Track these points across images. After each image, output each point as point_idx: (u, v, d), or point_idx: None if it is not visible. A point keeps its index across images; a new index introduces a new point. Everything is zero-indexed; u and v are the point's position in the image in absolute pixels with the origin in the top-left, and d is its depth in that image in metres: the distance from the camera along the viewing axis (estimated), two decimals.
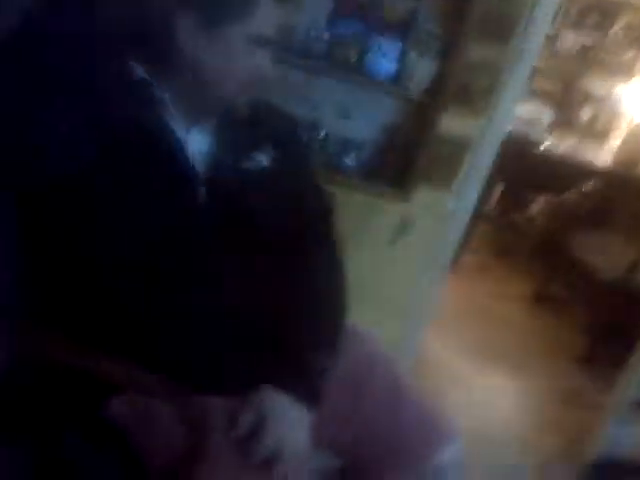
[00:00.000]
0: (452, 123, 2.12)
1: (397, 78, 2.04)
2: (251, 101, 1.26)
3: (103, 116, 1.08)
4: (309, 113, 2.04)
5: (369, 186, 2.14)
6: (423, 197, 2.20)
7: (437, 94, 2.05)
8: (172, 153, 1.16)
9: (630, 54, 4.42)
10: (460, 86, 2.09)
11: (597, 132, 4.61)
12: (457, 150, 2.17)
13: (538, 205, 4.44)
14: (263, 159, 1.29)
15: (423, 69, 2.02)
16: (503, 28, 2.07)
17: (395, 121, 2.14)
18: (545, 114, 4.40)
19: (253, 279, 1.22)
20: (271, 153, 1.30)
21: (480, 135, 2.20)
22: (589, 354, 3.47)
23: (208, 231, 1.19)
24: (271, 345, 1.20)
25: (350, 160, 2.10)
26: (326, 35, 1.97)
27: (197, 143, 1.23)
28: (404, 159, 2.14)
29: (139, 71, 1.15)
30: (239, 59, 1.18)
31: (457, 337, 3.22)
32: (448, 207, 2.27)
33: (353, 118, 2.11)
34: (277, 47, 1.24)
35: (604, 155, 4.40)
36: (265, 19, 1.17)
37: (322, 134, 2.05)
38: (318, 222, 1.41)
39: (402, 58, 2.02)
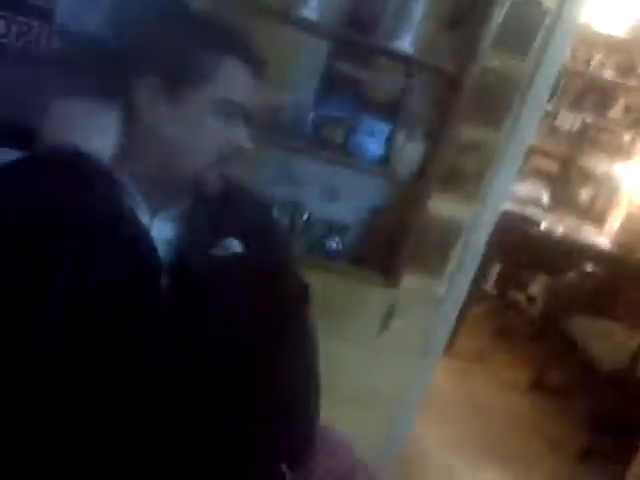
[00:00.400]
0: (442, 206, 2.03)
1: (385, 160, 1.95)
2: (222, 182, 1.16)
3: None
4: (292, 194, 1.95)
5: (354, 272, 2.02)
6: (412, 283, 2.08)
7: (426, 177, 1.96)
8: (134, 242, 1.06)
9: (629, 136, 4.40)
10: (450, 169, 2.00)
11: (596, 213, 4.54)
12: (448, 234, 2.07)
13: (538, 285, 4.33)
14: (234, 246, 1.19)
15: (412, 151, 1.93)
16: (495, 110, 2.00)
17: (383, 204, 2.04)
18: (544, 193, 4.33)
19: (220, 376, 1.11)
20: (242, 239, 1.20)
21: (473, 218, 2.10)
22: (589, 449, 3.27)
23: (172, 325, 1.07)
24: (238, 451, 1.09)
25: (335, 244, 1.99)
26: (312, 114, 1.89)
27: (163, 229, 1.13)
28: (392, 244, 2.02)
29: None
30: (206, 129, 1.09)
31: (450, 429, 3.04)
32: (438, 293, 2.15)
33: (338, 200, 2.01)
34: (256, 123, 1.16)
35: (604, 237, 4.31)
36: (232, 83, 1.10)
37: (305, 216, 1.95)
38: (292, 313, 1.31)
39: (390, 139, 1.93)
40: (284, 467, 1.11)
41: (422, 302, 2.12)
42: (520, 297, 4.31)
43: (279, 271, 1.29)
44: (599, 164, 4.49)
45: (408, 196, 1.99)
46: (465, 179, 2.04)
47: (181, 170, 1.12)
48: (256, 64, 1.12)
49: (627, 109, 4.49)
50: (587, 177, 4.54)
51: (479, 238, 2.11)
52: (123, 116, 1.09)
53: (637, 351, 3.29)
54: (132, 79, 1.08)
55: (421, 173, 1.95)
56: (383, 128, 1.92)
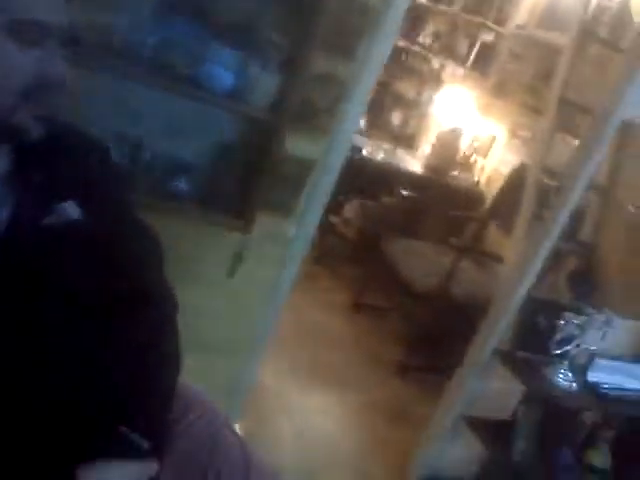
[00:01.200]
0: (296, 143, 1.89)
1: (236, 92, 1.74)
2: (42, 126, 0.94)
3: None
4: (131, 129, 1.68)
5: (203, 214, 1.83)
6: (264, 224, 1.95)
7: (282, 111, 1.80)
8: None
9: (437, 61, 4.55)
10: (303, 102, 1.86)
11: (407, 137, 4.70)
12: (301, 172, 1.95)
13: (353, 208, 4.42)
14: (70, 211, 0.99)
15: (266, 82, 1.74)
16: (350, 39, 1.88)
17: (234, 141, 1.85)
18: (362, 119, 4.37)
19: (70, 349, 1.01)
20: (79, 200, 1.01)
21: (324, 154, 2.00)
22: (407, 364, 3.49)
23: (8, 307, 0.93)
24: (95, 417, 1.03)
25: (181, 184, 1.77)
26: (152, 38, 1.61)
27: None
28: (243, 183, 1.86)
29: None
30: (3, 59, 0.87)
31: (280, 356, 3.02)
32: (289, 233, 2.05)
33: (184, 136, 1.77)
34: (83, 49, 0.94)
35: (416, 161, 4.49)
36: None
37: (147, 155, 1.70)
38: (144, 273, 1.19)
39: (242, 69, 1.72)
40: (123, 429, 1.04)
41: (273, 244, 2.01)
42: (336, 220, 4.38)
43: (126, 232, 1.13)
44: (410, 89, 4.62)
45: (261, 132, 1.82)
46: (317, 113, 1.91)
47: None
48: None
49: (436, 35, 4.62)
50: (398, 102, 4.65)
51: (331, 174, 2.02)
52: None
53: (448, 272, 3.51)
54: None
55: (275, 107, 1.78)
56: (233, 56, 1.70)
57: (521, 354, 2.51)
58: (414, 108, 4.71)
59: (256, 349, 2.23)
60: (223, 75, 1.70)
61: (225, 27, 1.70)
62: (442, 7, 4.53)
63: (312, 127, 1.92)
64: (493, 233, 3.94)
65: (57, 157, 1.02)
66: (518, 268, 2.53)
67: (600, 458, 2.67)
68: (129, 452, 1.03)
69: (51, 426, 0.99)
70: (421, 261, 3.80)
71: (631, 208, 2.95)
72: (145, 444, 1.05)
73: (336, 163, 2.02)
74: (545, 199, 2.91)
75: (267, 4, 1.75)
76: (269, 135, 1.81)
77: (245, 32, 1.72)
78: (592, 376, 2.50)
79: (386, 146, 4.37)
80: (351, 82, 1.93)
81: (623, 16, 3.20)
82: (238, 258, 1.95)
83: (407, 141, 4.66)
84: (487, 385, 2.63)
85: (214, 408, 1.32)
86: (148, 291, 1.18)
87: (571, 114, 3.30)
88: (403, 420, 3.09)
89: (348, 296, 3.97)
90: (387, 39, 1.98)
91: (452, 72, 4.49)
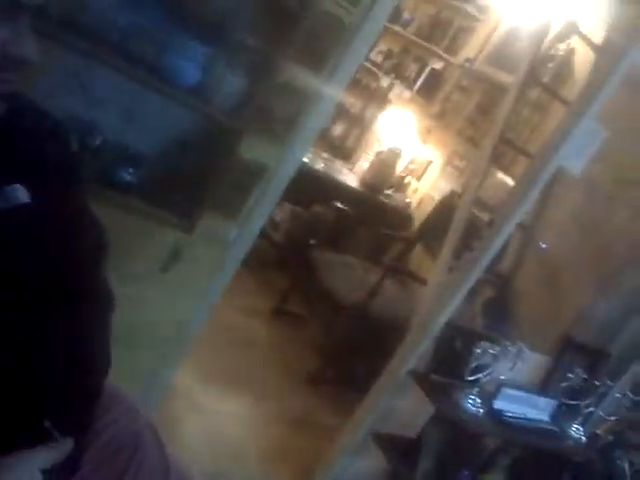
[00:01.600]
0: (251, 148, 1.88)
1: (199, 89, 1.72)
2: (4, 104, 0.89)
3: None
4: (85, 111, 1.62)
5: (147, 208, 1.80)
6: (205, 225, 1.93)
7: (240, 114, 1.79)
8: None
9: (387, 80, 4.63)
10: (264, 108, 1.86)
11: (346, 150, 4.75)
12: (251, 178, 1.94)
13: (283, 213, 4.42)
14: (18, 195, 0.95)
15: (232, 83, 1.73)
16: (320, 55, 1.89)
17: (190, 138, 1.82)
18: None
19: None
20: (29, 183, 0.97)
21: (277, 162, 2.00)
22: (319, 375, 3.52)
23: None
24: (19, 410, 0.98)
25: (128, 175, 1.73)
26: (121, 21, 1.57)
27: None
28: (192, 182, 1.83)
29: None
30: None
31: (197, 361, 2.97)
32: (229, 237, 2.03)
33: (139, 126, 1.73)
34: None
35: (353, 175, 4.55)
36: None
37: (97, 140, 1.64)
38: (87, 267, 1.15)
39: (209, 67, 1.71)
40: (47, 423, 1.00)
41: (212, 245, 1.99)
42: (267, 226, 4.37)
43: (75, 223, 1.09)
44: (356, 104, 4.68)
45: (219, 133, 1.80)
46: (276, 121, 1.91)
47: None
48: None
49: (387, 54, 4.70)
50: (342, 114, 4.70)
51: (280, 183, 2.02)
52: None
53: (372, 288, 3.58)
54: None
55: (236, 110, 1.77)
56: (202, 52, 1.69)
57: (435, 377, 2.60)
58: (357, 123, 4.77)
59: (179, 348, 2.20)
60: (189, 70, 1.68)
61: (198, 22, 1.67)
62: (397, 28, 4.62)
63: (269, 134, 1.91)
64: (418, 255, 4.05)
65: (11, 137, 0.98)
66: (441, 293, 2.61)
67: None
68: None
69: None
70: (346, 274, 3.85)
71: (542, 244, 3.12)
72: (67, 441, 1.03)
73: (288, 173, 2.03)
74: (474, 230, 3.03)
75: (244, 6, 1.74)
76: (226, 137, 1.80)
77: (218, 30, 1.70)
78: (498, 404, 2.61)
79: (326, 156, 4.40)
80: (315, 96, 1.95)
81: (566, 67, 3.38)
82: (175, 255, 1.91)
83: (346, 154, 4.71)
84: (399, 403, 2.70)
85: (136, 407, 1.31)
86: (89, 286, 1.15)
87: (507, 151, 3.45)
88: (311, 430, 3.12)
89: (270, 301, 3.96)
90: (356, 58, 2.00)
91: (399, 93, 4.58)
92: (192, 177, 1.82)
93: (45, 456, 1.00)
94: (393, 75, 4.62)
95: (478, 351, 2.52)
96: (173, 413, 2.66)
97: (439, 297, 2.60)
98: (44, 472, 0.96)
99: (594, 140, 2.28)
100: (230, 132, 1.79)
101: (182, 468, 1.31)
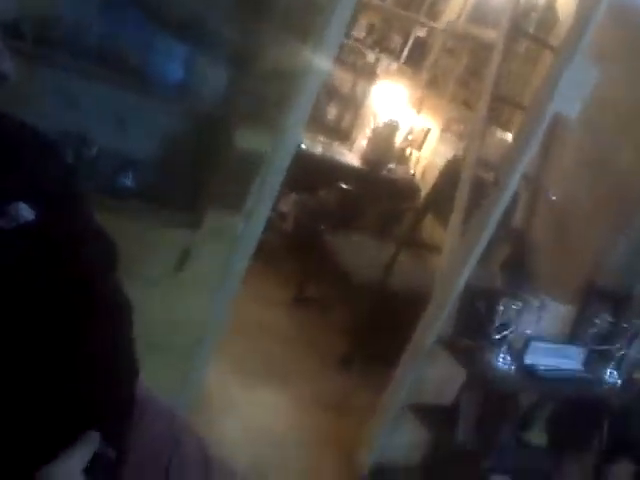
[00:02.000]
0: (245, 138, 1.88)
1: (185, 86, 1.72)
2: None
3: None
4: (76, 124, 1.63)
5: (151, 210, 1.80)
6: (212, 219, 1.93)
7: (231, 106, 1.79)
8: None
9: (372, 55, 4.61)
10: (254, 98, 1.85)
11: (343, 131, 4.74)
12: (249, 168, 1.94)
13: (288, 203, 4.42)
14: (23, 213, 0.95)
15: (215, 77, 1.73)
16: (301, 35, 1.88)
17: (182, 135, 1.82)
18: None
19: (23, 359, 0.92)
20: (32, 200, 0.97)
21: (273, 149, 1.99)
22: (349, 357, 3.53)
23: None
24: (60, 423, 0.95)
25: (127, 181, 1.73)
26: (97, 29, 1.57)
27: None
28: (192, 178, 1.84)
29: None
30: None
31: (225, 355, 2.99)
32: (237, 229, 2.03)
33: (132, 131, 1.73)
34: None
35: (353, 155, 4.54)
36: None
37: (93, 151, 1.65)
38: (102, 278, 1.14)
39: (191, 64, 1.71)
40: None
41: (221, 240, 1.99)
42: (271, 215, 4.36)
43: (83, 236, 1.09)
44: (345, 83, 4.66)
45: (211, 127, 1.80)
46: (266, 108, 1.90)
47: None
48: None
49: (369, 29, 4.67)
50: (333, 96, 4.68)
51: (279, 170, 2.02)
52: None
53: (387, 264, 3.57)
54: None
55: (224, 102, 1.77)
56: (182, 49, 1.68)
57: (462, 340, 2.60)
58: (349, 102, 4.75)
59: (206, 346, 2.21)
60: (172, 69, 1.68)
61: (175, 20, 1.67)
62: (375, 1, 4.58)
63: (261, 122, 1.91)
64: (429, 224, 4.04)
65: (5, 155, 0.98)
66: (456, 258, 2.60)
67: (536, 436, 2.80)
68: (95, 460, 1.01)
69: (14, 430, 0.96)
70: (360, 253, 3.85)
71: (552, 196, 3.09)
72: (109, 451, 1.03)
73: (286, 158, 2.02)
74: (481, 191, 3.01)
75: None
76: (218, 130, 1.80)
77: (196, 25, 1.70)
78: (529, 358, 2.60)
79: (323, 140, 4.39)
80: (301, 75, 1.93)
81: (550, 13, 3.34)
82: (186, 254, 1.92)
83: (343, 135, 4.70)
84: (430, 372, 2.70)
85: (171, 408, 1.32)
86: (101, 297, 1.15)
87: (502, 108, 3.42)
88: (349, 411, 3.13)
89: (288, 291, 3.96)
90: (339, 33, 1.99)
91: (386, 66, 4.56)
92: (190, 174, 1.82)
93: (81, 454, 1.01)
94: (378, 49, 4.59)
95: (501, 309, 2.51)
96: (208, 411, 2.68)
97: (455, 262, 2.59)
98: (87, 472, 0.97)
99: (587, 81, 2.26)
100: (222, 124, 1.78)
101: (224, 461, 1.32)
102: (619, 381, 2.77)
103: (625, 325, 2.81)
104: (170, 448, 1.22)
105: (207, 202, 1.84)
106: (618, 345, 2.80)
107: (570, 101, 2.25)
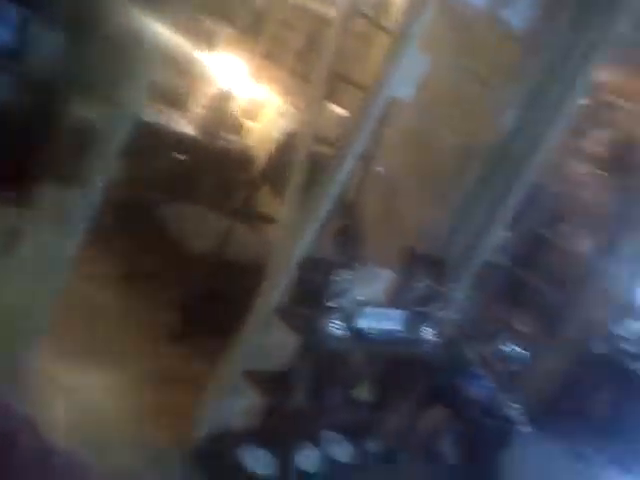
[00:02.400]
0: (82, 109, 1.80)
1: (13, 51, 1.61)
2: None
3: None
4: None
5: None
6: (46, 196, 1.84)
7: (64, 74, 1.70)
8: None
9: (210, 23, 4.52)
10: (90, 66, 1.78)
11: (178, 99, 4.62)
12: (86, 140, 1.86)
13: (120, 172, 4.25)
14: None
15: (51, 43, 1.64)
16: (142, 2, 1.82)
17: (8, 104, 1.70)
18: None
19: None
20: None
21: (110, 120, 1.92)
22: (180, 330, 3.49)
23: None
24: None
25: None
26: None
27: None
28: (20, 151, 1.73)
29: None
30: None
31: (59, 338, 2.82)
32: (73, 204, 1.95)
33: None
34: None
35: (189, 124, 4.45)
36: None
37: None
38: None
39: (22, 27, 1.60)
40: None
41: (56, 216, 1.90)
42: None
43: None
44: (182, 50, 4.53)
45: (42, 97, 1.71)
46: (103, 77, 1.84)
47: None
48: None
49: None
50: (168, 62, 4.52)
51: (115, 142, 1.96)
52: None
53: (224, 233, 3.58)
54: None
55: (60, 70, 1.69)
56: (12, 11, 1.57)
57: (299, 310, 2.72)
58: (186, 70, 4.64)
59: (34, 330, 2.10)
60: (1, 33, 1.56)
61: None
62: None
63: (98, 92, 1.84)
64: (264, 195, 4.11)
65: None
66: (294, 230, 2.70)
67: (364, 393, 3.04)
68: None
69: None
70: (195, 224, 3.81)
71: (380, 169, 3.31)
72: None
73: (123, 129, 1.96)
74: (317, 166, 3.12)
75: None
76: (50, 100, 1.70)
77: None
78: (360, 323, 2.79)
79: (160, 108, 4.27)
80: (139, 48, 1.88)
81: None
82: (15, 234, 1.81)
83: (180, 103, 4.59)
84: (267, 340, 2.79)
85: (8, 403, 1.27)
86: None
87: (338, 85, 3.54)
88: (181, 384, 3.08)
89: (119, 265, 3.82)
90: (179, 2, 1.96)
91: (225, 35, 4.50)
92: (19, 147, 1.72)
93: None
94: (216, 17, 4.52)
95: (335, 278, 2.66)
96: (42, 395, 2.55)
97: (293, 233, 2.68)
98: None
99: (420, 68, 2.44)
100: (56, 93, 1.70)
101: (67, 454, 1.29)
102: (437, 339, 3.07)
103: (442, 288, 3.11)
104: (6, 444, 1.17)
105: (40, 177, 1.75)
106: (435, 306, 3.09)
107: (405, 86, 2.42)
